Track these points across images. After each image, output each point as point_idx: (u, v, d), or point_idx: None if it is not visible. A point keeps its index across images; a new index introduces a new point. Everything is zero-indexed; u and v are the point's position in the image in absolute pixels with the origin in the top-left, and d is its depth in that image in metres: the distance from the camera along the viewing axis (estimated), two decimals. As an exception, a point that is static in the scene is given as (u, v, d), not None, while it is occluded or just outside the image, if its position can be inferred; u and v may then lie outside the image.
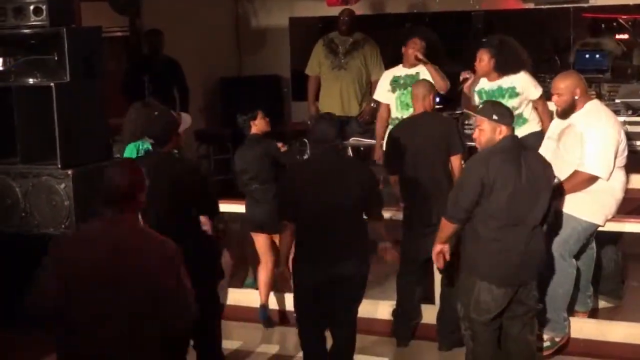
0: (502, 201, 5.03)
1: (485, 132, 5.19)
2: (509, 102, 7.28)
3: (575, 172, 5.92)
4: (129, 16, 9.71)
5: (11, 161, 6.87)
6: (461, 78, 7.35)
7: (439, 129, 6.41)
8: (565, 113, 6.06)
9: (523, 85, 7.13)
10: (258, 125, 6.79)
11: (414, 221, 6.36)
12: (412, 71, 7.75)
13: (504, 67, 7.12)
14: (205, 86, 10.70)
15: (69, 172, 6.68)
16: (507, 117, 5.23)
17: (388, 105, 7.92)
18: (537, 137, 7.11)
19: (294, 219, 5.37)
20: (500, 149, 5.13)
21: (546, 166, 5.28)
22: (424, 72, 7.69)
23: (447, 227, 5.32)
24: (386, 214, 6.81)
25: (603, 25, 10.01)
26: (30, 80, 6.81)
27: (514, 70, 7.13)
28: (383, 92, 7.98)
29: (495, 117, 5.17)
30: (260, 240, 6.83)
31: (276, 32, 10.89)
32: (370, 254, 5.53)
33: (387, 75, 7.98)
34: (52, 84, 6.64)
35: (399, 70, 7.85)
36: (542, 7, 9.78)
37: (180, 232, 5.31)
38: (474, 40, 10.10)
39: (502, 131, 5.16)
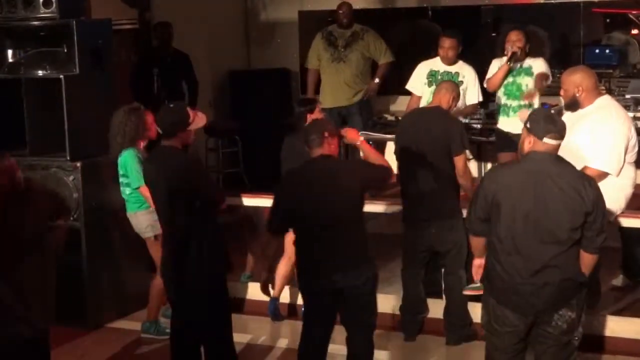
0: (501, 224, 4.62)
1: (521, 137, 4.76)
2: (525, 80, 7.39)
3: (585, 168, 5.89)
4: (138, 9, 9.72)
5: (20, 153, 6.86)
6: (511, 52, 7.39)
7: (441, 127, 6.30)
8: (568, 107, 6.09)
9: (538, 69, 7.30)
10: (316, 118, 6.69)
11: (409, 213, 6.37)
12: (451, 69, 7.77)
13: (533, 52, 7.48)
14: (214, 79, 10.70)
15: (78, 164, 6.70)
16: (541, 128, 4.60)
17: (419, 98, 7.91)
18: None
19: (282, 232, 5.44)
20: (518, 165, 4.73)
21: (577, 194, 4.56)
22: (462, 72, 7.70)
23: (473, 241, 5.00)
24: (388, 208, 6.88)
25: (613, 21, 9.97)
26: (40, 72, 6.83)
27: (537, 54, 7.47)
28: (418, 84, 7.96)
29: (528, 124, 4.66)
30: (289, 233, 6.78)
31: (285, 25, 10.88)
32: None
33: (424, 68, 7.94)
34: (61, 76, 6.65)
35: (438, 65, 7.83)
36: (552, 1, 9.77)
37: (187, 225, 5.36)
38: (483, 35, 10.09)
39: (531, 142, 4.62)
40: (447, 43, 7.74)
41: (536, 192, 4.56)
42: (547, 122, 4.63)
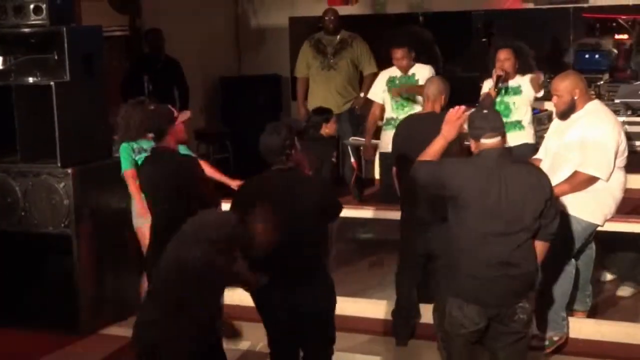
0: (467, 221, 4.70)
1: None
2: (512, 99, 7.38)
3: (575, 173, 5.92)
4: (129, 15, 9.72)
5: (11, 160, 6.88)
6: (495, 75, 7.32)
7: (437, 132, 6.33)
8: (564, 114, 6.05)
9: (527, 86, 7.28)
10: (329, 129, 6.80)
11: (409, 218, 6.37)
12: (408, 72, 7.82)
13: (522, 68, 7.35)
14: (205, 85, 10.71)
15: (69, 171, 6.69)
16: (476, 130, 4.77)
17: (382, 105, 8.00)
18: (530, 150, 7.14)
19: None
20: (474, 162, 4.79)
21: (535, 184, 4.74)
22: (419, 72, 7.75)
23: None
24: (387, 214, 6.89)
25: (603, 26, 10.01)
26: (30, 79, 6.81)
27: (529, 71, 7.37)
28: (378, 92, 8.05)
29: (467, 128, 4.88)
30: None
31: (276, 31, 10.90)
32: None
33: (383, 76, 8.06)
34: (52, 83, 6.64)
35: (395, 71, 7.93)
36: (542, 7, 9.80)
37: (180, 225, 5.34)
38: (474, 40, 10.12)
39: (474, 144, 4.80)
40: (398, 54, 7.83)
41: (499, 186, 4.66)
42: (481, 123, 4.78)
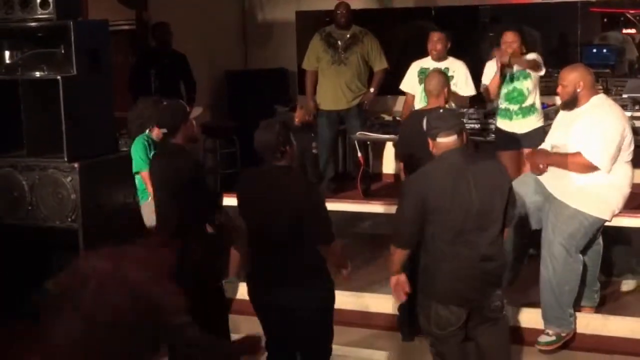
0: (441, 223, 4.72)
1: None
2: (525, 84, 7.37)
3: (578, 153, 5.93)
4: (136, 9, 9.71)
5: (18, 154, 6.88)
6: (500, 62, 7.34)
7: None
8: (566, 105, 6.11)
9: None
10: (299, 116, 6.81)
11: None
12: (441, 65, 7.76)
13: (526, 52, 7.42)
14: (212, 79, 10.69)
15: (76, 165, 6.68)
16: (432, 130, 4.80)
17: (414, 96, 7.95)
18: (541, 134, 7.16)
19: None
20: (437, 166, 4.83)
21: (498, 175, 4.89)
22: (452, 66, 7.72)
23: (398, 254, 4.94)
24: (393, 209, 6.85)
25: (610, 20, 9.98)
26: (37, 74, 6.81)
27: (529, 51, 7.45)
28: (410, 83, 8.04)
29: (425, 130, 4.88)
30: None
31: (282, 25, 10.88)
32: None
33: (415, 67, 8.04)
34: (59, 77, 6.63)
35: (427, 63, 7.90)
36: (550, 1, 9.77)
37: (181, 227, 5.32)
38: (481, 34, 10.10)
39: (433, 145, 4.82)
40: (435, 36, 7.85)
41: (467, 183, 4.71)
42: (436, 122, 4.83)
